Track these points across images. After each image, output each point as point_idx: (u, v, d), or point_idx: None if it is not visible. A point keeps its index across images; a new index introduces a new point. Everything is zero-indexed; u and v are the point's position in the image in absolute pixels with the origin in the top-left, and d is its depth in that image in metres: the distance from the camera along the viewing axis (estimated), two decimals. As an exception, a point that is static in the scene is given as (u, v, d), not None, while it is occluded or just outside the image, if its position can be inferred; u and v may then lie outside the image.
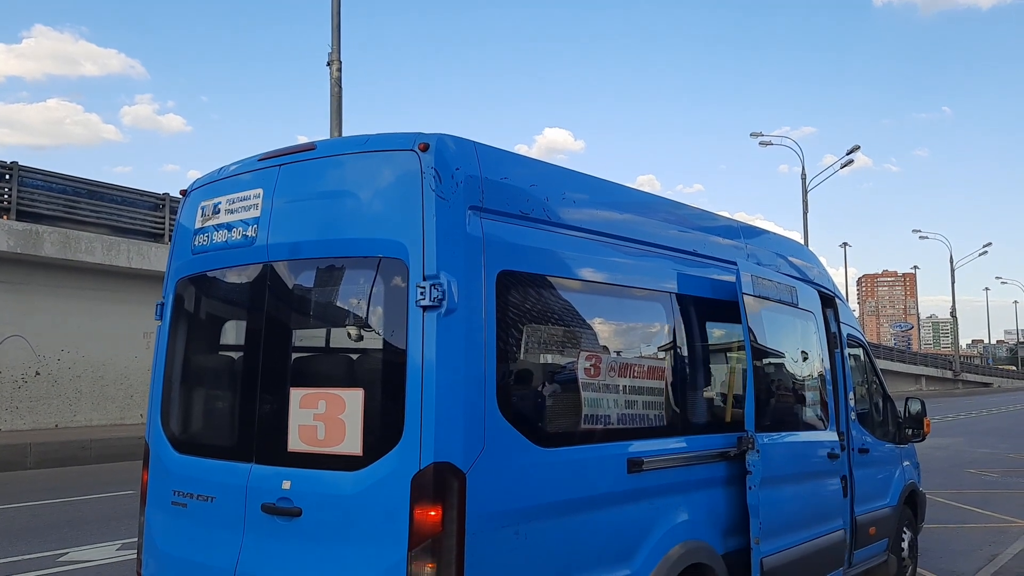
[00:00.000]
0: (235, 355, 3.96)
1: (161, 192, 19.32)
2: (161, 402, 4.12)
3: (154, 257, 18.41)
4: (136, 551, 4.12)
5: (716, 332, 4.87)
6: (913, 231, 69.45)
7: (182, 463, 3.90)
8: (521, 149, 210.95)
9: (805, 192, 45.62)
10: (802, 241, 43.00)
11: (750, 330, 4.66)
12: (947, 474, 14.46)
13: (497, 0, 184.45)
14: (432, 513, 2.97)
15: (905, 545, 6.85)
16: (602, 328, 4.11)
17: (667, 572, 3.85)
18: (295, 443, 3.38)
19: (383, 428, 3.16)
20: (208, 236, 3.93)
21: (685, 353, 4.47)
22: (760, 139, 45.62)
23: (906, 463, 7.07)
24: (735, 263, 4.85)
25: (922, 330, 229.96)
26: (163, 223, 18.97)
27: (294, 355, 3.74)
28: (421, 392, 3.05)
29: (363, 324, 3.53)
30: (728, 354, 5.00)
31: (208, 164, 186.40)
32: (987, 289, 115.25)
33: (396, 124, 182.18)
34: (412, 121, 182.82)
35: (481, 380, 3.16)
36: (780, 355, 5.25)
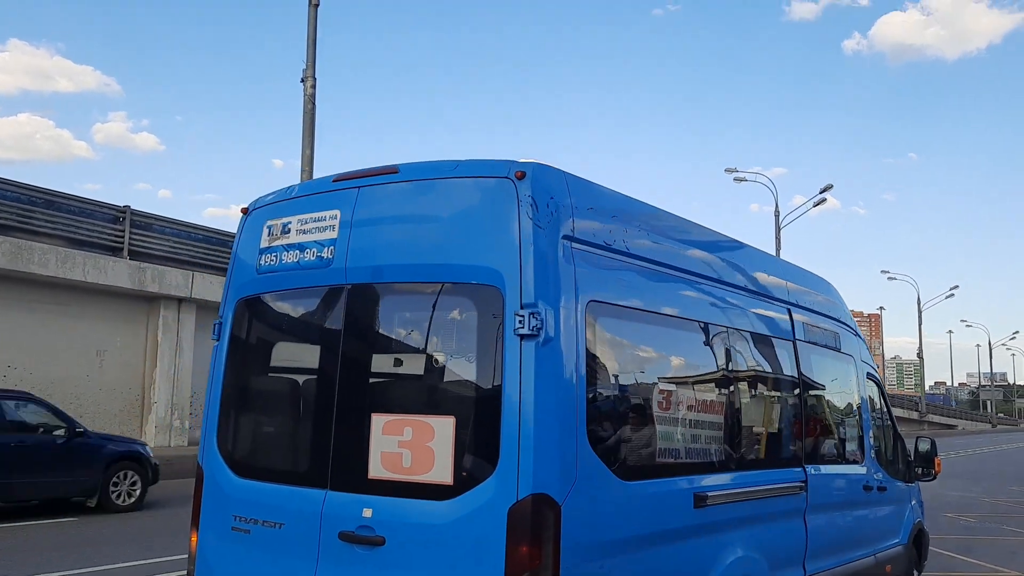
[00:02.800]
0: (306, 378, 3.83)
1: (122, 204, 18.57)
2: (218, 424, 3.95)
3: (112, 271, 17.66)
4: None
5: (771, 369, 4.93)
6: (881, 272, 70.03)
7: (243, 487, 3.74)
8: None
9: (778, 229, 45.79)
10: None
11: (800, 372, 4.94)
12: (925, 519, 14.07)
13: (477, 25, 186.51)
14: (529, 546, 2.90)
15: None
16: (673, 362, 4.10)
17: None
18: (376, 470, 3.26)
19: (476, 457, 3.09)
20: (276, 256, 3.80)
21: (743, 389, 4.54)
22: (735, 175, 45.81)
23: (913, 502, 7.02)
24: (788, 302, 5.11)
25: (887, 371, 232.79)
26: (123, 236, 18.23)
27: (374, 380, 3.56)
28: (519, 422, 2.97)
29: (453, 350, 3.43)
30: (780, 391, 5.02)
31: (180, 183, 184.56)
32: (951, 332, 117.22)
33: (371, 143, 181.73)
34: (387, 140, 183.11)
35: (574, 411, 3.11)
36: (826, 395, 5.51)
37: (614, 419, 3.49)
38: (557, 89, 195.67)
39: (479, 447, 3.10)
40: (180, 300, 19.15)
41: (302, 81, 22.01)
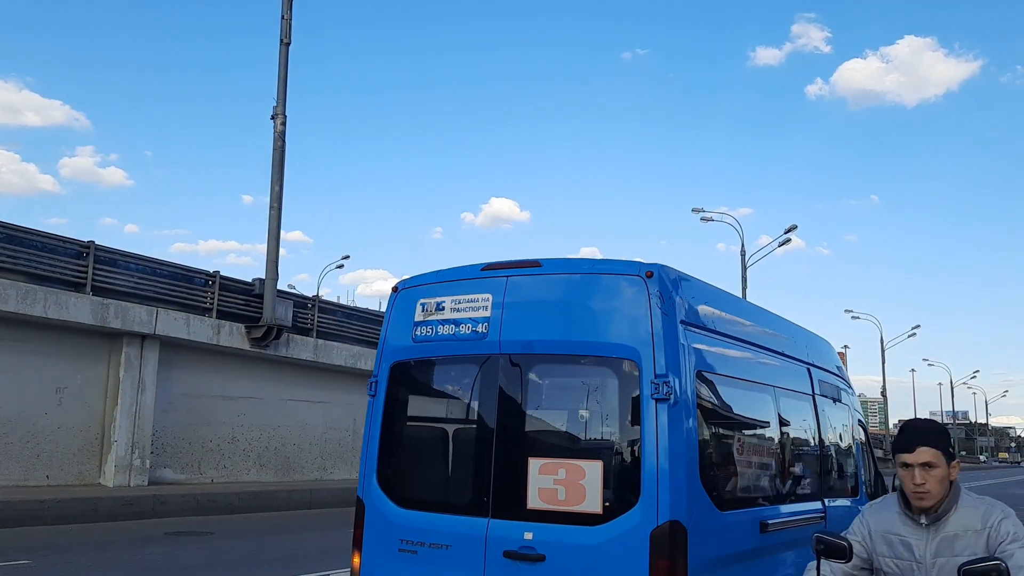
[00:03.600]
0: (461, 427, 4.71)
1: (86, 240, 18.33)
2: (377, 465, 4.69)
3: (73, 307, 17.38)
4: None
5: (802, 420, 5.86)
6: (845, 311, 70.79)
7: (408, 516, 4.47)
8: (467, 217, 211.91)
9: (744, 268, 46.31)
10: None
11: (820, 421, 6.00)
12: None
13: (447, 69, 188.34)
14: (667, 562, 3.72)
15: None
16: (746, 417, 5.05)
17: None
18: (534, 502, 4.05)
19: (620, 492, 3.93)
20: (432, 328, 4.63)
21: (787, 436, 5.50)
22: (701, 215, 46.37)
23: None
24: (808, 363, 6.12)
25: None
26: (86, 272, 17.96)
27: (530, 430, 4.37)
28: (656, 465, 3.82)
29: (598, 408, 4.33)
30: (807, 437, 5.96)
31: (148, 218, 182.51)
32: (913, 371, 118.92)
33: (342, 186, 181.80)
34: (357, 183, 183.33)
35: (692, 457, 3.98)
36: (834, 440, 6.44)
37: (713, 463, 4.39)
38: (527, 129, 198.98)
39: (623, 484, 3.97)
40: (143, 337, 18.86)
41: (272, 118, 22.07)
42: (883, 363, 65.65)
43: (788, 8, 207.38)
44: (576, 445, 4.32)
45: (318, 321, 23.56)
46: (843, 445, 6.73)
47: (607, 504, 3.92)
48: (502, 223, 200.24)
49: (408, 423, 4.93)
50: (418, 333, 4.70)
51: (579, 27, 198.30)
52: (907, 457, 3.03)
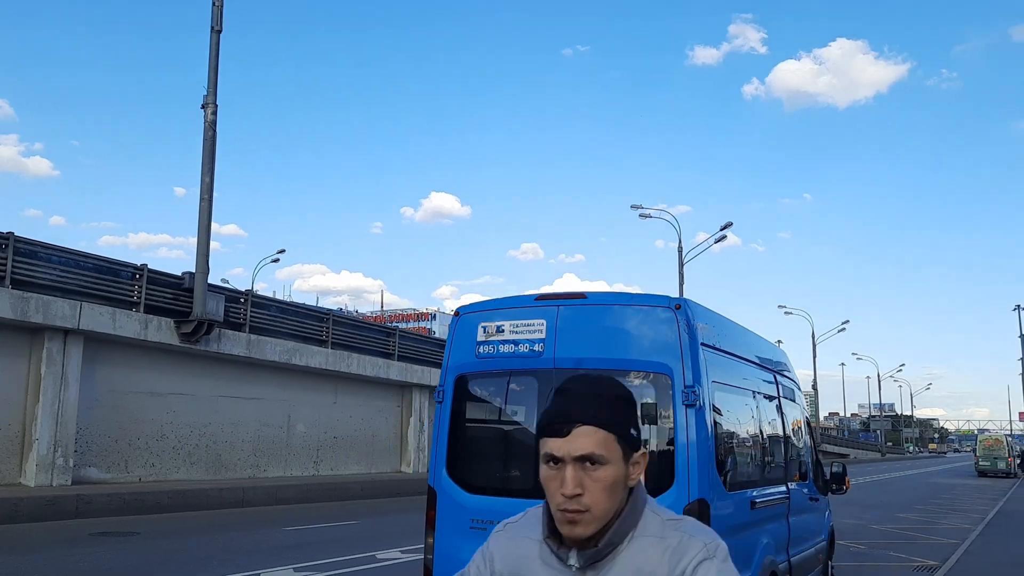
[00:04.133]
0: (524, 427, 5.70)
1: (5, 231, 17.57)
2: (447, 460, 5.69)
3: (-9, 301, 16.68)
4: (424, 564, 5.68)
5: (773, 418, 7.21)
6: (779, 307, 72.39)
7: (476, 500, 5.49)
8: (407, 212, 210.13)
9: (681, 264, 46.94)
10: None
11: (783, 419, 7.38)
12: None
13: (386, 63, 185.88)
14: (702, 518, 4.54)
15: (830, 573, 9.11)
16: (742, 416, 6.29)
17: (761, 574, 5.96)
18: None
19: (659, 477, 4.91)
20: (493, 347, 5.66)
21: (766, 432, 6.84)
22: (640, 211, 46.86)
23: (828, 510, 9.21)
24: (775, 371, 7.53)
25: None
26: (5, 264, 17.20)
27: None
28: (687, 456, 4.96)
29: (639, 412, 5.13)
30: (776, 431, 7.25)
31: (75, 210, 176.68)
32: (843, 364, 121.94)
33: (279, 179, 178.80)
34: (294, 176, 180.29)
35: (711, 450, 5.16)
36: (791, 433, 7.71)
37: (722, 454, 5.53)
38: (468, 124, 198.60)
39: (661, 471, 4.99)
40: (66, 331, 18.20)
41: (203, 107, 21.52)
42: (814, 357, 67.28)
43: (725, 8, 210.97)
44: None
45: (251, 316, 23.05)
46: (797, 437, 8.05)
47: (649, 487, 4.05)
48: (443, 218, 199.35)
49: (473, 425, 5.96)
50: (481, 351, 5.76)
51: (520, 22, 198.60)
52: (553, 445, 1.68)
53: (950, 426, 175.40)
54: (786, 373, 8.02)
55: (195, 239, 20.81)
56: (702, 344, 5.42)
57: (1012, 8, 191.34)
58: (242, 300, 23.15)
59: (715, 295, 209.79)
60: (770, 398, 7.14)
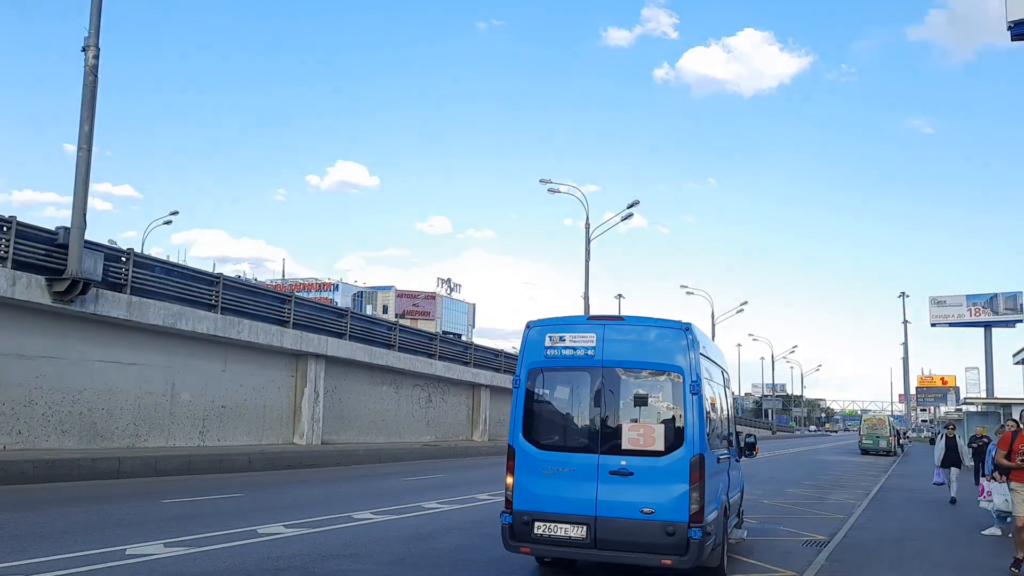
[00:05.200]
0: (576, 404, 8.54)
1: None
2: (522, 426, 8.36)
3: None
4: (505, 497, 8.27)
5: (723, 398, 10.30)
6: (681, 286, 73.79)
7: (545, 454, 8.22)
8: (312, 180, 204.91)
9: (588, 241, 47.00)
10: (583, 288, 43.99)
11: (726, 400, 10.59)
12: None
13: (296, 26, 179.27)
14: (698, 473, 7.64)
15: (742, 515, 12.15)
16: (713, 399, 9.05)
17: (725, 509, 9.00)
18: (626, 445, 7.98)
19: (673, 441, 7.87)
20: (558, 351, 8.39)
21: (720, 409, 9.73)
22: (549, 186, 46.64)
23: (741, 470, 11.69)
24: (719, 365, 10.23)
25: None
26: None
27: (622, 406, 8.29)
28: (693, 428, 7.80)
29: (659, 398, 8.24)
30: (725, 409, 10.30)
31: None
32: (739, 345, 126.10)
33: (178, 140, 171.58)
34: (194, 139, 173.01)
35: (705, 423, 8.01)
36: (728, 410, 10.64)
37: (708, 423, 8.24)
38: (378, 92, 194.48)
39: (675, 437, 7.87)
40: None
41: (83, 50, 19.88)
42: (713, 337, 68.66)
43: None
44: (648, 416, 8.24)
45: (133, 276, 21.56)
46: (730, 413, 10.86)
47: (666, 446, 7.94)
48: (350, 188, 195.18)
49: (542, 403, 8.66)
50: (548, 353, 8.46)
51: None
52: None
53: (836, 406, 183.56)
54: (722, 365, 10.60)
55: (85, 197, 19.26)
56: (700, 354, 8.33)
57: (909, 8, 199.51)
58: (123, 259, 21.62)
59: (620, 273, 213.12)
60: (720, 386, 9.98)
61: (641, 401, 8.26)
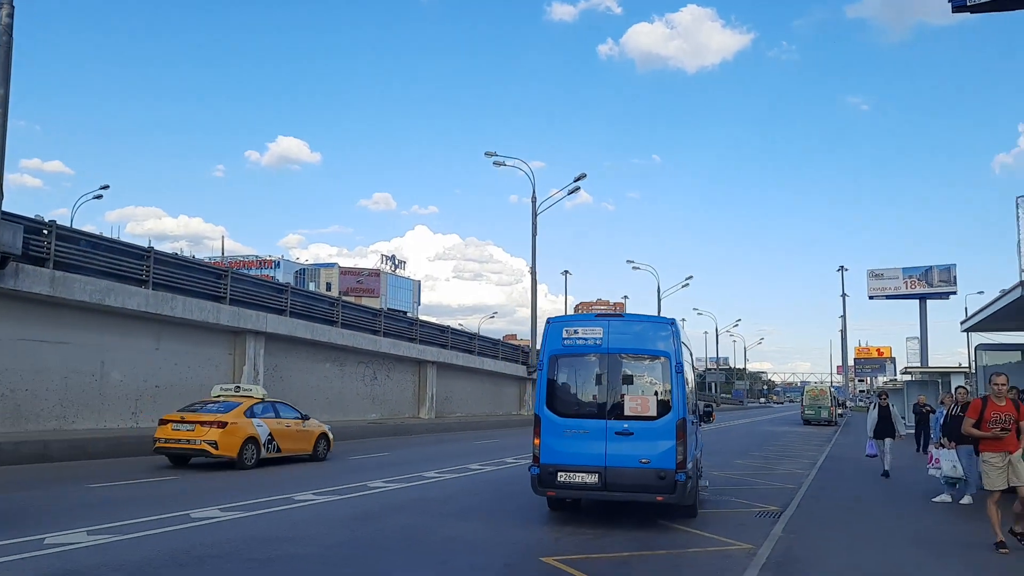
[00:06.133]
0: (587, 381, 10.82)
1: None
2: (546, 398, 10.66)
3: None
4: (533, 454, 10.57)
5: (695, 376, 13.83)
6: (627, 261, 74.11)
7: (565, 420, 10.51)
8: (252, 156, 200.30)
9: (535, 215, 46.61)
10: (530, 261, 43.69)
11: (695, 376, 13.56)
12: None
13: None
14: (682, 433, 10.24)
15: (702, 472, 13.27)
16: (690, 377, 11.84)
17: (696, 461, 11.66)
18: (627, 412, 10.36)
19: (662, 408, 10.33)
20: (573, 341, 10.66)
21: (690, 383, 11.61)
22: (495, 159, 46.06)
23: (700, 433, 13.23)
24: (690, 349, 12.71)
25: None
26: None
27: (624, 381, 10.56)
28: (676, 398, 10.32)
29: (652, 376, 10.58)
30: (692, 383, 12.29)
31: None
32: (684, 319, 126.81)
33: (111, 115, 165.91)
34: (128, 113, 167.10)
35: (685, 394, 10.55)
36: (694, 385, 12.70)
37: (689, 393, 11.09)
38: (320, 66, 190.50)
39: (664, 405, 10.32)
40: None
41: (-3, 8, 18.62)
42: (659, 311, 69.18)
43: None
44: (644, 390, 10.55)
45: (56, 250, 20.38)
46: (693, 386, 12.71)
47: (658, 412, 10.28)
48: (290, 163, 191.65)
49: (560, 380, 10.87)
50: (565, 343, 10.71)
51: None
52: None
53: (776, 379, 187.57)
54: (690, 348, 12.84)
55: (11, 175, 18.05)
56: (682, 343, 10.83)
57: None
58: (45, 232, 20.42)
59: (567, 249, 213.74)
60: (691, 366, 12.36)
61: (638, 379, 10.72)
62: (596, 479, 10.25)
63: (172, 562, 7.98)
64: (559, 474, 10.36)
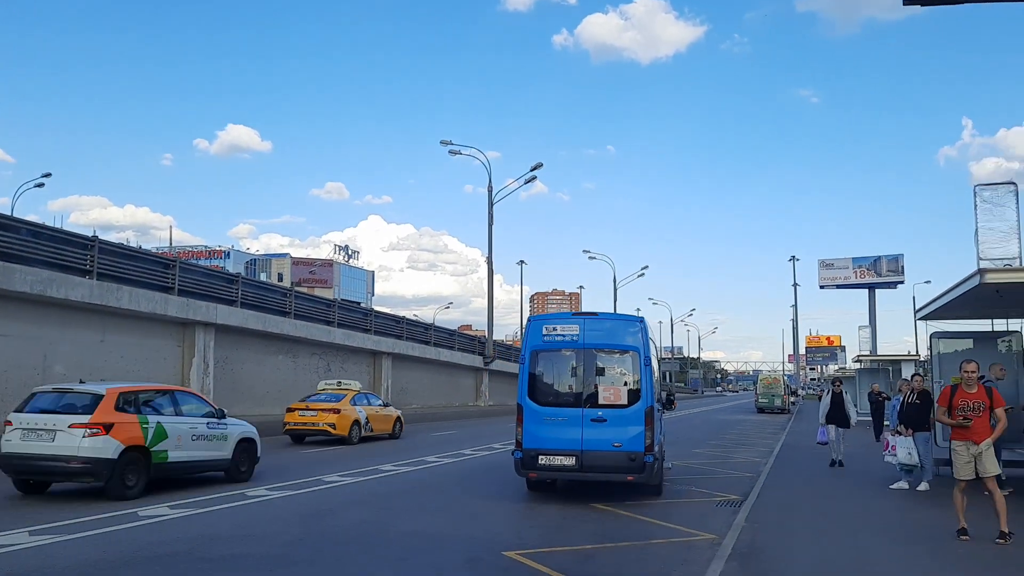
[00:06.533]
0: (564, 373, 11.86)
1: None
2: (528, 389, 11.65)
3: None
4: (516, 439, 11.63)
5: (660, 369, 13.90)
6: (583, 251, 74.22)
7: (544, 408, 11.55)
8: (201, 144, 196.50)
9: (491, 204, 46.33)
10: (486, 251, 43.55)
11: (659, 367, 14.24)
12: (620, 485, 14.10)
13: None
14: (650, 420, 11.30)
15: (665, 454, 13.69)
16: (655, 369, 12.13)
17: (661, 444, 12.56)
18: (601, 401, 11.46)
19: (632, 397, 11.44)
20: (552, 337, 11.79)
21: (656, 374, 12.13)
22: (450, 148, 45.66)
23: (665, 418, 14.11)
24: (655, 344, 13.42)
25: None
26: None
27: (598, 373, 11.64)
28: (646, 388, 11.43)
29: (623, 368, 11.70)
30: (658, 374, 12.81)
31: None
32: (639, 309, 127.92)
33: (55, 102, 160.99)
34: (68, 99, 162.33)
35: (654, 384, 11.67)
36: (656, 374, 12.30)
37: (657, 384, 12.03)
38: (270, 55, 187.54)
39: (634, 395, 11.45)
40: None
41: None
42: (615, 301, 69.47)
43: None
44: (615, 380, 11.58)
45: (-8, 239, 19.57)
46: (659, 377, 13.07)
47: (629, 401, 11.40)
48: (240, 152, 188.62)
49: (541, 372, 11.89)
50: (544, 339, 11.77)
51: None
52: None
53: (729, 367, 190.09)
54: (656, 343, 14.11)
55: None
56: (648, 338, 11.97)
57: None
58: (-19, 220, 19.60)
59: (523, 239, 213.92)
60: (656, 358, 12.85)
61: (610, 371, 11.76)
62: (573, 461, 11.33)
63: (120, 564, 7.59)
64: (540, 457, 11.41)
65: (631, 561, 8.25)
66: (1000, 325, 17.19)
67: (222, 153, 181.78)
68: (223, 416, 13.77)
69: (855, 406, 21.56)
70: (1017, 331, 14.89)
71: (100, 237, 23.75)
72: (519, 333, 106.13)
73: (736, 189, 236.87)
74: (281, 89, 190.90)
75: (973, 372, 9.02)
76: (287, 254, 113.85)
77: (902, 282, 68.44)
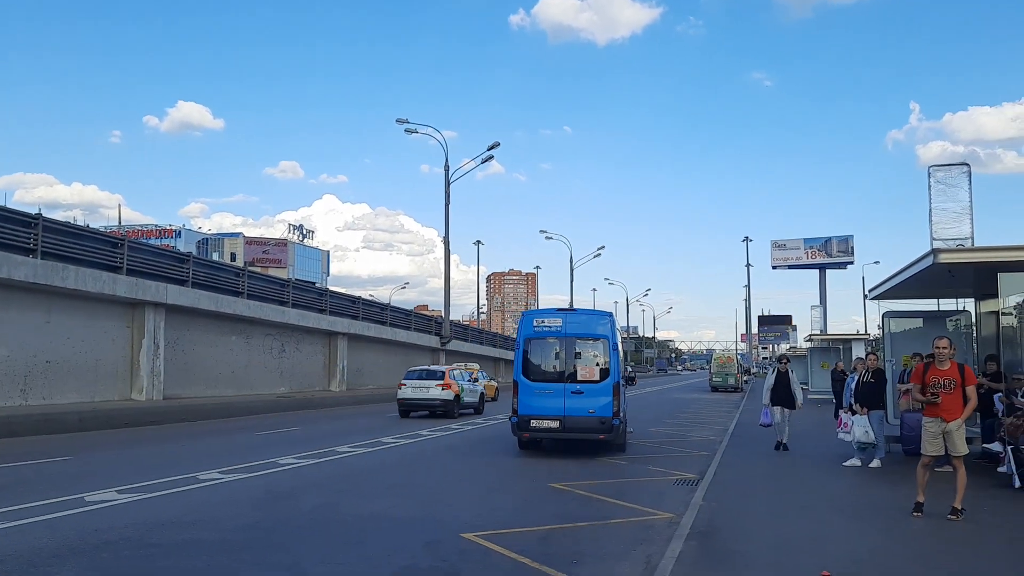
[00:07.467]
0: (551, 356, 15.48)
1: None
2: (521, 368, 15.43)
3: None
4: (512, 407, 15.34)
5: (624, 352, 18.07)
6: (540, 231, 74.24)
7: (535, 384, 15.23)
8: (151, 122, 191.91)
9: (448, 184, 45.98)
10: (443, 230, 43.33)
11: (624, 353, 19.38)
12: (580, 464, 14.12)
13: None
14: (617, 392, 15.04)
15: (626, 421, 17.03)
16: (620, 352, 16.07)
17: (625, 412, 16.49)
18: (580, 377, 15.12)
19: (603, 374, 15.12)
20: (540, 328, 15.60)
21: (621, 355, 16.26)
22: (406, 127, 45.13)
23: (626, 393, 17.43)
24: (619, 331, 16.72)
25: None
26: None
27: (577, 357, 15.29)
28: (613, 367, 15.15)
29: (597, 352, 15.35)
30: (622, 356, 16.74)
31: None
32: (595, 289, 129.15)
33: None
34: (11, 73, 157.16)
35: (620, 365, 15.61)
36: (620, 357, 15.95)
37: (621, 364, 15.77)
38: (222, 31, 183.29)
39: (604, 372, 15.15)
40: None
41: None
42: (571, 281, 69.88)
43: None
44: (591, 362, 15.22)
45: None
46: (623, 358, 16.62)
47: (600, 377, 15.05)
48: (192, 130, 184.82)
49: (532, 355, 15.48)
50: (535, 329, 15.52)
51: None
52: None
53: (684, 347, 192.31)
54: (617, 328, 16.13)
55: None
56: (617, 328, 15.77)
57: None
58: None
59: (479, 218, 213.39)
60: (621, 343, 16.03)
61: (586, 354, 15.19)
62: (557, 424, 14.93)
63: (66, 551, 7.34)
64: (531, 421, 15.01)
65: (589, 540, 8.21)
66: (947, 305, 17.54)
67: (173, 131, 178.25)
68: (476, 380, 29.02)
69: (807, 385, 21.75)
70: (966, 310, 15.18)
71: (44, 215, 22.99)
72: (475, 313, 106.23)
73: (691, 171, 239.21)
74: (235, 67, 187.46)
75: (944, 349, 9.02)
76: (240, 233, 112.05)
77: (852, 263, 69.80)
